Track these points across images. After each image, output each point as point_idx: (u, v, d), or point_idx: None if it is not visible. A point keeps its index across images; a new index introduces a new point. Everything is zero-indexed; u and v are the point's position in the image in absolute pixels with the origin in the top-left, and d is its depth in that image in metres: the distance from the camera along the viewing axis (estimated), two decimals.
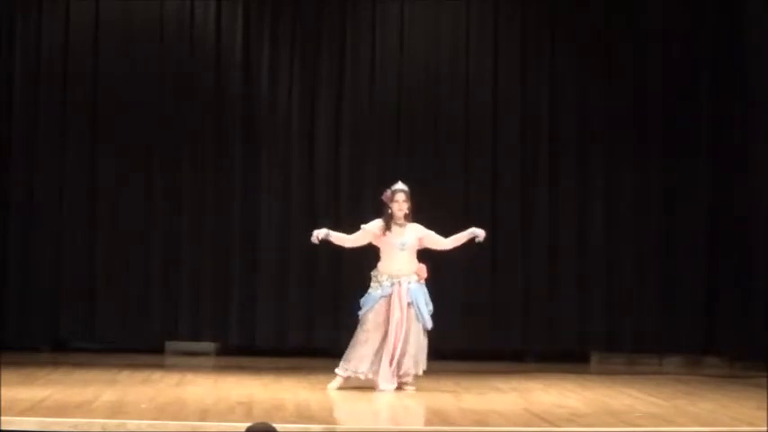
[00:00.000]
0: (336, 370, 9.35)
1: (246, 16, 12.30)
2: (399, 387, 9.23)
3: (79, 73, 12.13)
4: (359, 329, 9.34)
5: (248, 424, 5.03)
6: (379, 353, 9.24)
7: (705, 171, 12.21)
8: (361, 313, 9.35)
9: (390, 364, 9.21)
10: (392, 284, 9.28)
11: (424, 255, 9.50)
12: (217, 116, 12.22)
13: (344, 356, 9.35)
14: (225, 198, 12.19)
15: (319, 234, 9.42)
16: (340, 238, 9.55)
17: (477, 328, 11.98)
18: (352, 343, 9.33)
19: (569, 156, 12.29)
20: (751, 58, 11.59)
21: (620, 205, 12.26)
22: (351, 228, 11.75)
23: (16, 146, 12.05)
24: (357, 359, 9.27)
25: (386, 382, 9.21)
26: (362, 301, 9.37)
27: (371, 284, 9.36)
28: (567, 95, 12.34)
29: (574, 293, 12.17)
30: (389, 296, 9.27)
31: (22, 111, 12.09)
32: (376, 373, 9.23)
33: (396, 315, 9.23)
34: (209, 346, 12.23)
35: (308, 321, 12.08)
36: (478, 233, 9.36)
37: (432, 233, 9.42)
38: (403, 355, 9.21)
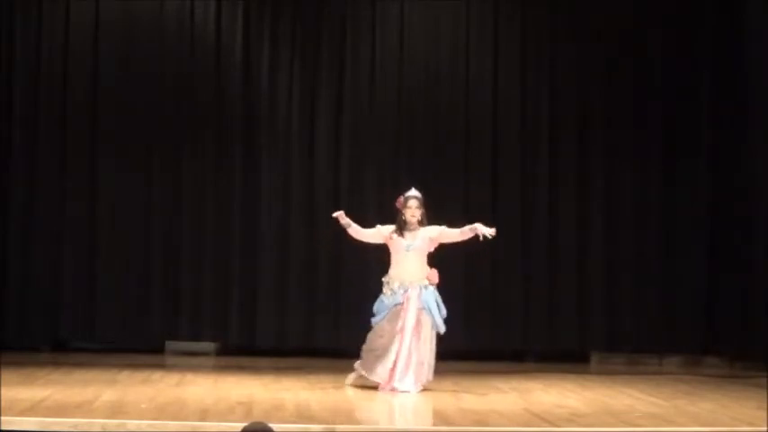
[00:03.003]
0: (356, 364, 9.43)
1: (246, 16, 12.29)
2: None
3: (79, 73, 12.13)
4: (373, 336, 9.40)
5: (247, 424, 5.03)
6: (394, 359, 9.26)
7: (705, 171, 12.21)
8: (374, 321, 9.42)
9: (407, 368, 9.23)
10: (404, 292, 9.35)
11: (429, 257, 9.54)
12: (217, 116, 12.21)
13: (363, 357, 9.41)
14: (225, 198, 12.19)
15: (342, 219, 9.45)
16: (357, 231, 9.56)
17: (477, 328, 11.97)
18: (367, 347, 9.39)
19: (569, 156, 12.29)
20: (751, 58, 11.59)
21: (620, 205, 12.26)
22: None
23: (16, 146, 12.05)
24: (372, 368, 9.31)
25: (407, 384, 9.21)
26: (375, 308, 9.46)
27: (383, 290, 9.43)
28: (567, 95, 12.34)
29: (574, 293, 12.17)
30: (402, 303, 9.33)
31: (22, 111, 12.08)
32: (389, 378, 9.25)
33: (410, 322, 9.29)
34: (209, 346, 12.23)
35: (308, 321, 12.08)
36: (482, 232, 9.35)
37: (444, 228, 9.46)
38: (421, 363, 9.26)
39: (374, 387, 9.23)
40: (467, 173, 12.27)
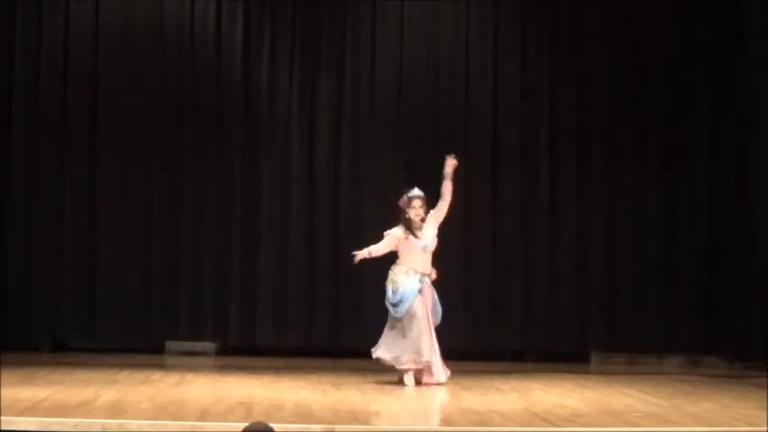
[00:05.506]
0: (404, 366, 9.51)
1: (246, 16, 12.28)
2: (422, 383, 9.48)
3: (79, 73, 12.12)
4: (410, 322, 9.47)
5: (248, 424, 5.03)
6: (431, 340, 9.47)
7: (705, 171, 12.20)
8: (403, 309, 9.45)
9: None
10: (420, 280, 9.51)
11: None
12: (217, 116, 12.21)
13: (413, 350, 9.46)
14: (224, 198, 12.18)
15: (363, 255, 9.59)
16: (378, 251, 9.66)
17: (477, 328, 11.97)
18: (411, 336, 9.46)
19: (569, 156, 12.28)
20: (751, 58, 11.58)
21: (620, 205, 12.25)
22: (351, 229, 11.80)
23: (16, 146, 12.04)
24: (423, 349, 9.43)
25: (441, 373, 9.50)
26: (401, 296, 9.48)
27: (398, 278, 9.52)
28: (567, 95, 12.33)
29: (573, 293, 12.16)
30: (420, 290, 9.48)
31: (22, 111, 12.08)
32: (431, 359, 9.48)
33: (427, 310, 9.49)
34: (209, 346, 12.23)
35: (308, 321, 12.07)
36: (452, 163, 9.63)
37: (432, 212, 9.65)
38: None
39: (374, 386, 9.26)
40: (467, 172, 12.22)
